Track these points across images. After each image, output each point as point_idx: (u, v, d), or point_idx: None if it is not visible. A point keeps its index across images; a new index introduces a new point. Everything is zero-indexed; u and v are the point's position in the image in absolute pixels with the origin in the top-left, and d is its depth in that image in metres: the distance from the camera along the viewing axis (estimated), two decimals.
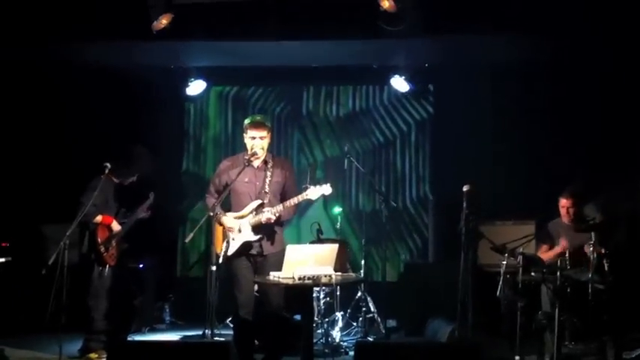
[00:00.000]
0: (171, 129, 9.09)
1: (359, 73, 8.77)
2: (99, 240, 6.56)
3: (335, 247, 5.31)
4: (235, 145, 8.66)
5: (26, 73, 8.12)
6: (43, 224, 7.88)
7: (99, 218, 6.54)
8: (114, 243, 6.64)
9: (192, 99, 8.93)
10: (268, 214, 5.57)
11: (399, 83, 8.36)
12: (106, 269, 6.58)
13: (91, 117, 8.34)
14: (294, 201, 5.61)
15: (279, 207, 5.61)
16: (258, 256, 5.71)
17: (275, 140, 7.86)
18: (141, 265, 8.00)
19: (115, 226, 6.67)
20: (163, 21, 6.86)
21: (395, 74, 8.29)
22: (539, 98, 8.20)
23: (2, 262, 6.47)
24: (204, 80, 8.45)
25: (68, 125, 8.40)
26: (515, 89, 8.24)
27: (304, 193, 5.58)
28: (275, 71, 8.68)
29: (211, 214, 5.65)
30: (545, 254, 6.60)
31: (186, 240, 5.65)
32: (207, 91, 8.77)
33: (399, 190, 9.01)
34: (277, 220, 5.66)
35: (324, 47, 7.85)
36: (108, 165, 6.31)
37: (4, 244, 7.00)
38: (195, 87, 8.46)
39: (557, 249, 6.44)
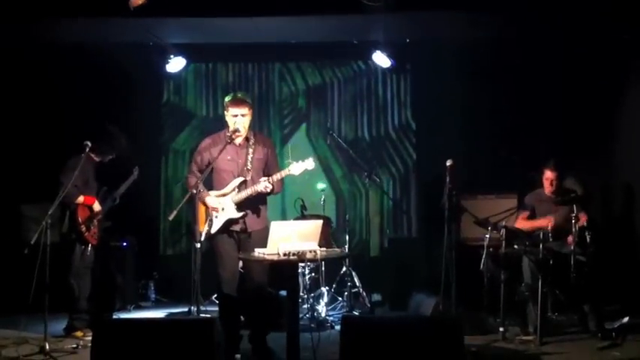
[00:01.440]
0: (151, 106, 9.00)
1: (339, 49, 8.72)
2: (79, 219, 6.52)
3: (319, 222, 5.30)
4: (214, 122, 8.60)
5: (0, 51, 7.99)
6: (22, 204, 7.80)
7: (81, 199, 6.50)
8: (95, 222, 6.62)
9: (172, 76, 8.83)
10: (265, 184, 5.54)
11: (381, 59, 8.33)
12: (88, 248, 6.55)
13: (69, 95, 8.25)
14: (277, 177, 5.61)
15: (273, 177, 5.60)
16: (242, 233, 5.70)
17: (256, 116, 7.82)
18: (124, 244, 7.97)
19: (97, 206, 6.64)
20: None
21: (376, 50, 8.25)
22: (512, 73, 8.23)
23: None
24: (183, 57, 8.37)
25: (47, 104, 8.30)
26: (490, 64, 8.23)
27: (287, 169, 5.57)
28: (252, 48, 8.63)
29: (194, 191, 5.61)
30: (525, 223, 6.65)
31: (170, 217, 5.61)
32: (185, 68, 8.67)
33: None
34: (269, 193, 5.66)
35: (303, 23, 7.80)
36: (88, 143, 6.23)
37: None
38: (175, 64, 8.37)
39: (541, 221, 6.48)
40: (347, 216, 8.04)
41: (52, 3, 7.05)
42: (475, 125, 8.33)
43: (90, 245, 6.57)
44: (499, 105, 8.31)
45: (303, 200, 7.74)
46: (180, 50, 8.28)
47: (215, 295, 7.39)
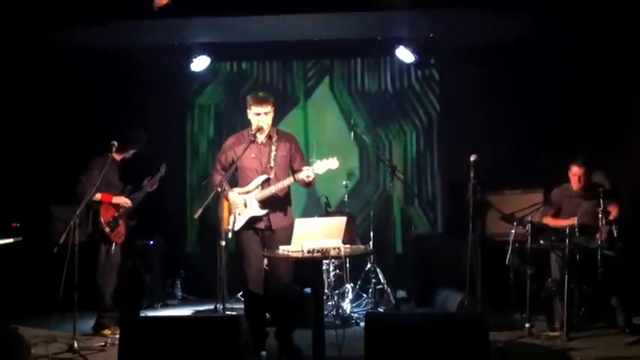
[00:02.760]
0: (176, 106, 9.06)
1: (362, 45, 8.71)
2: (102, 220, 6.56)
3: (343, 219, 5.31)
4: (236, 121, 8.63)
5: (32, 56, 8.10)
6: (52, 204, 7.92)
7: (98, 196, 6.47)
8: (120, 221, 6.66)
9: (197, 75, 8.88)
10: (308, 172, 5.52)
11: (405, 54, 8.31)
12: (112, 247, 6.61)
13: (96, 97, 8.36)
14: (302, 176, 5.57)
15: (298, 176, 5.59)
16: (267, 230, 5.72)
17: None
18: (151, 242, 8.04)
19: (120, 200, 6.66)
20: None
21: (400, 45, 8.23)
22: (541, 69, 8.17)
23: (13, 242, 6.49)
24: (207, 56, 8.42)
25: (74, 106, 8.41)
26: (518, 62, 8.19)
27: (311, 167, 5.56)
28: (277, 46, 8.65)
29: (219, 189, 5.66)
30: (552, 221, 6.60)
31: (195, 215, 5.65)
32: (210, 67, 8.73)
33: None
34: (308, 184, 5.67)
35: (326, 20, 7.81)
36: (115, 143, 6.31)
37: (14, 225, 7.02)
38: (200, 63, 8.44)
39: (566, 221, 6.42)
40: (371, 212, 8.03)
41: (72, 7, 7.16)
42: (502, 120, 8.27)
43: (114, 244, 6.62)
44: (526, 100, 8.24)
45: (327, 197, 7.76)
46: (205, 49, 8.34)
47: (241, 293, 7.44)
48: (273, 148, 5.75)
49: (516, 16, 7.39)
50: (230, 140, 5.89)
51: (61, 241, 5.71)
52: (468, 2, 7.12)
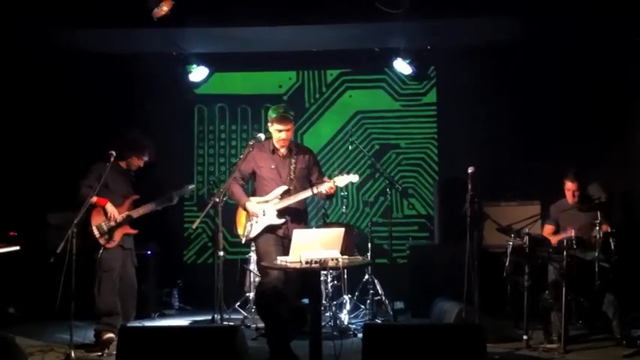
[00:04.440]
0: (178, 116, 9.07)
1: (360, 56, 8.74)
2: (93, 223, 6.37)
3: (341, 230, 5.34)
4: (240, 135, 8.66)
5: (27, 61, 8.12)
6: (49, 212, 7.90)
7: (94, 199, 6.33)
8: (117, 230, 6.47)
9: (197, 85, 8.89)
10: (329, 184, 5.77)
11: (402, 66, 8.34)
12: (100, 252, 6.38)
13: (94, 104, 8.37)
14: (324, 188, 5.77)
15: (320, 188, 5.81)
16: (285, 239, 5.81)
17: None
18: (148, 252, 8.02)
19: (111, 210, 6.44)
20: (164, 7, 6.83)
21: (397, 57, 8.26)
22: (535, 79, 8.23)
23: (11, 251, 6.47)
24: (206, 66, 8.44)
25: (72, 113, 8.43)
26: (513, 69, 8.26)
27: (332, 180, 5.79)
28: (275, 56, 8.68)
29: (216, 200, 5.74)
30: (551, 237, 6.61)
31: (193, 226, 5.71)
32: (209, 77, 8.74)
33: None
34: (329, 197, 5.91)
35: (323, 31, 7.85)
36: (113, 153, 6.27)
37: (11, 233, 6.99)
38: (198, 73, 8.46)
39: (563, 235, 6.43)
40: (369, 223, 8.04)
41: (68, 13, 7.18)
42: (499, 131, 8.31)
43: (103, 248, 6.39)
44: (522, 111, 8.29)
45: (325, 208, 7.78)
46: (204, 60, 8.36)
47: (238, 303, 7.45)
48: (293, 160, 5.97)
49: (511, 23, 7.46)
50: (252, 149, 6.01)
51: (58, 250, 5.69)
52: (463, 10, 7.16)
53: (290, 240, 5.67)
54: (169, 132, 8.76)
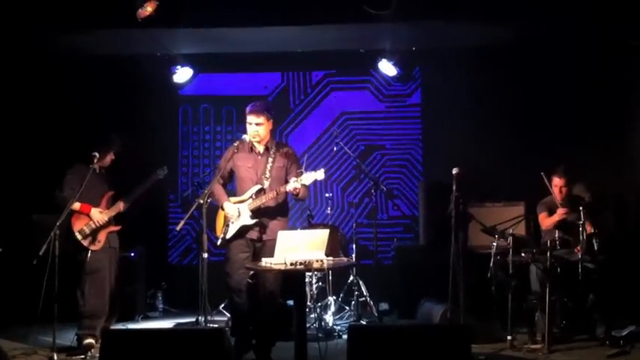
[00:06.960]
0: (163, 117, 9.02)
1: (345, 57, 8.74)
2: (74, 227, 6.30)
3: (326, 232, 5.33)
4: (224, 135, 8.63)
5: (11, 63, 8.04)
6: (34, 214, 7.82)
7: (77, 205, 6.26)
8: (101, 232, 6.41)
9: (181, 86, 8.85)
10: (295, 184, 5.61)
11: (387, 67, 8.34)
12: (86, 254, 6.32)
13: (79, 106, 8.31)
14: (289, 187, 5.65)
15: (285, 187, 5.68)
16: (257, 242, 5.77)
17: None
18: (132, 254, 7.97)
19: (95, 216, 6.37)
20: (148, 8, 6.80)
21: (382, 58, 8.27)
22: (521, 79, 8.28)
23: None
24: (190, 67, 8.41)
25: (57, 114, 8.37)
26: (497, 72, 8.29)
27: (299, 179, 5.62)
28: (260, 57, 8.66)
29: (201, 201, 5.64)
30: (547, 220, 6.63)
31: (177, 228, 5.65)
32: (194, 77, 8.71)
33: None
34: (297, 197, 5.77)
35: (308, 32, 7.83)
36: (96, 154, 6.21)
37: None
38: (183, 74, 8.41)
39: (556, 216, 6.51)
40: (353, 224, 8.05)
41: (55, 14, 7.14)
42: (483, 132, 8.34)
43: (90, 252, 6.35)
44: (507, 112, 8.32)
45: (310, 210, 7.77)
46: (188, 60, 8.33)
47: (223, 305, 7.42)
48: (270, 159, 5.84)
49: (502, 26, 7.50)
50: (230, 149, 5.94)
51: (41, 252, 5.64)
52: (448, 12, 7.18)
53: (263, 243, 5.71)
54: (154, 133, 8.72)
